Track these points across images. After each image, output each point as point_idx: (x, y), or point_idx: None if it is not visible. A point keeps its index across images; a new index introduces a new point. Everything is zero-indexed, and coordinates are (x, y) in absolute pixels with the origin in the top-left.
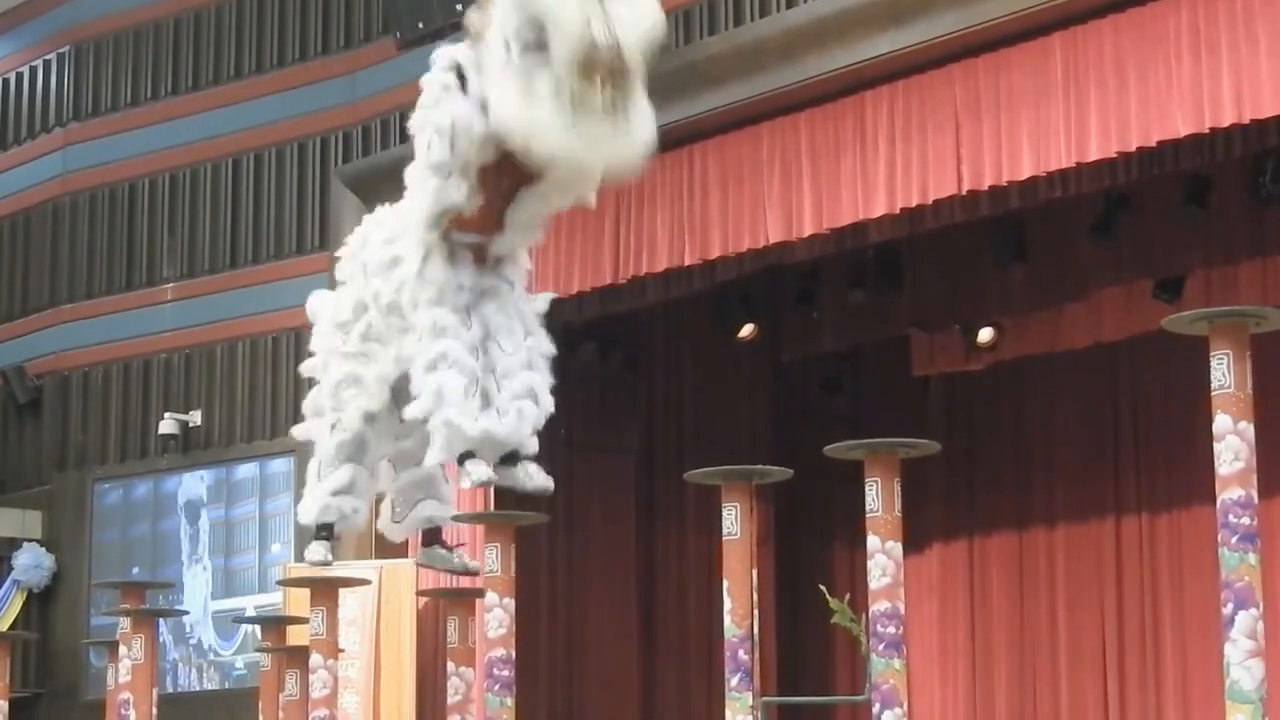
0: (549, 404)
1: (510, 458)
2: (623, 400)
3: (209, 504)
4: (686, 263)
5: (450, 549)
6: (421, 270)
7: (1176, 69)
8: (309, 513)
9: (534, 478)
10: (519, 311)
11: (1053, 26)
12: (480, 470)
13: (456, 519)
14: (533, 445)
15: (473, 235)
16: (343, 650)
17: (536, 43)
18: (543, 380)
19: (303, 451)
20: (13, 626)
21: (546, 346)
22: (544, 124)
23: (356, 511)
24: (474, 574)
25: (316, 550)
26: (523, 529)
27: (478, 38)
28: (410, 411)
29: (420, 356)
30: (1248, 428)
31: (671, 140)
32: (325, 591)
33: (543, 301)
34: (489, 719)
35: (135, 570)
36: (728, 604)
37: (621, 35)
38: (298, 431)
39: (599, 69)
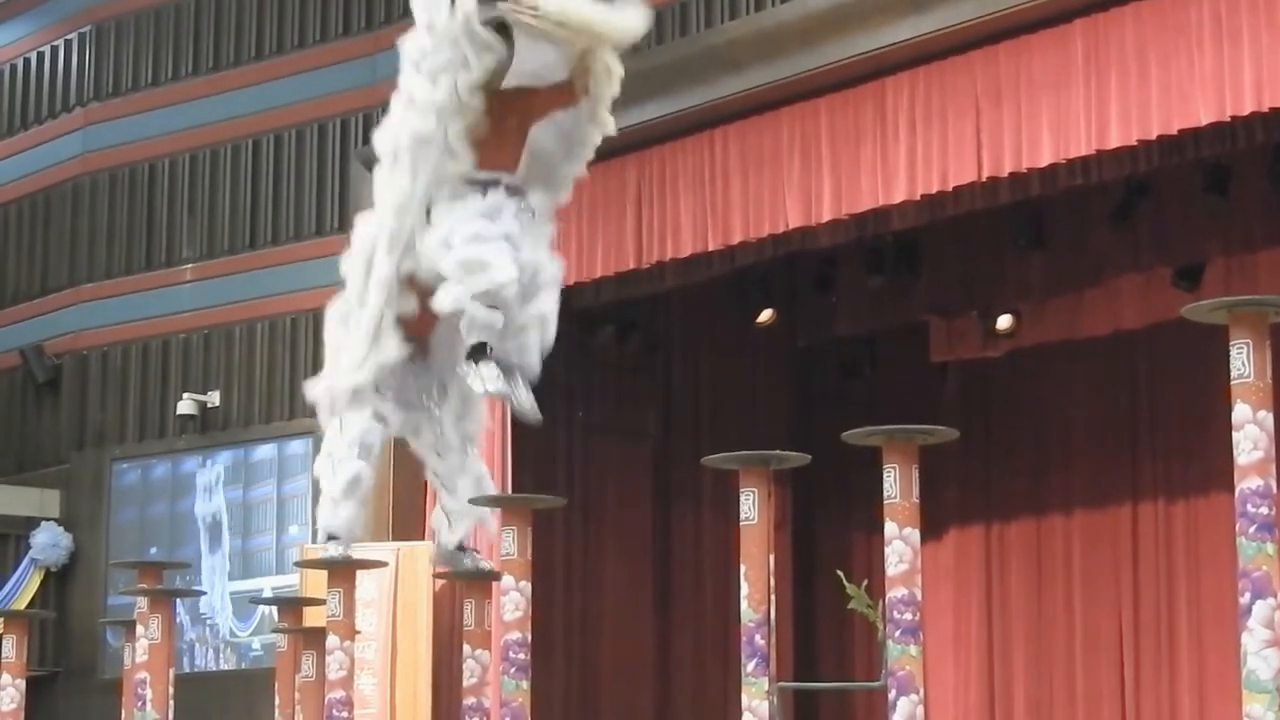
0: (552, 334)
1: (509, 370)
2: (640, 384)
3: (226, 484)
4: (709, 248)
5: (465, 550)
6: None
7: (1198, 57)
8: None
9: (524, 402)
10: (535, 233)
11: (1074, 13)
12: (493, 376)
13: (473, 501)
14: (536, 369)
15: (486, 173)
16: (359, 632)
17: None
18: (551, 305)
19: (321, 433)
20: (30, 605)
21: (556, 270)
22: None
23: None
24: (489, 577)
25: (335, 548)
26: (540, 512)
27: None
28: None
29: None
30: (1267, 417)
31: (692, 125)
32: (342, 573)
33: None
34: (505, 702)
35: (153, 550)
36: (744, 589)
37: None
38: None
39: None
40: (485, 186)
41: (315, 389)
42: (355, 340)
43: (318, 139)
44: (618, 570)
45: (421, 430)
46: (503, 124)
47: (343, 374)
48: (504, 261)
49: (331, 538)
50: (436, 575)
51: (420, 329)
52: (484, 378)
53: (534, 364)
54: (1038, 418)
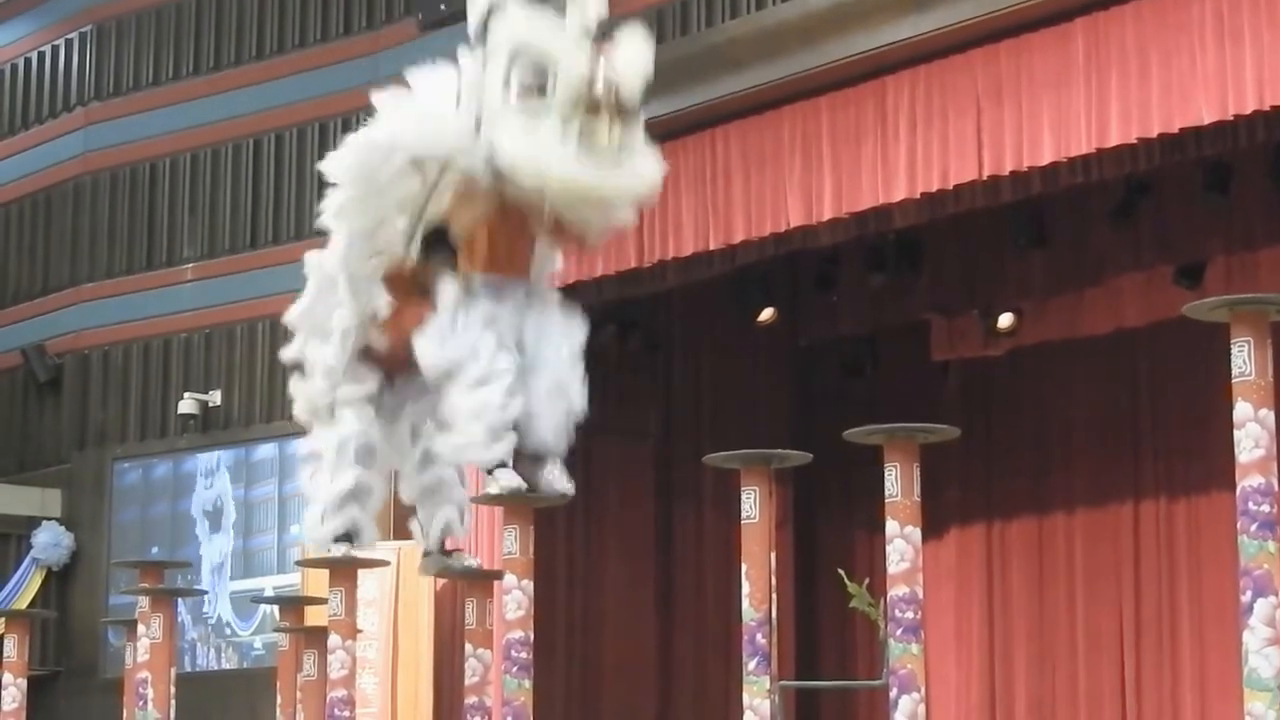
0: (579, 400)
1: (537, 458)
2: (642, 383)
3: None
4: (710, 247)
5: (448, 554)
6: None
7: (1200, 55)
8: (318, 529)
9: (556, 482)
10: (546, 314)
11: (1075, 12)
12: (509, 478)
13: (475, 500)
14: (561, 447)
15: (497, 277)
16: (361, 631)
17: (537, 87)
18: (567, 374)
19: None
20: (31, 605)
21: (577, 341)
22: (553, 159)
23: (365, 526)
24: (475, 573)
25: (339, 548)
26: (541, 511)
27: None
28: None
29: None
30: (1268, 415)
31: (693, 123)
32: (344, 572)
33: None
34: (507, 701)
35: (154, 549)
36: (746, 587)
37: (621, 78)
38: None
39: (603, 109)
40: (483, 297)
41: (298, 394)
42: (328, 355)
43: (319, 138)
44: (619, 569)
45: (390, 433)
46: (521, 231)
47: (322, 385)
48: (492, 407)
49: (341, 539)
50: (422, 574)
51: (391, 366)
52: (500, 483)
53: (558, 444)
54: (1039, 416)
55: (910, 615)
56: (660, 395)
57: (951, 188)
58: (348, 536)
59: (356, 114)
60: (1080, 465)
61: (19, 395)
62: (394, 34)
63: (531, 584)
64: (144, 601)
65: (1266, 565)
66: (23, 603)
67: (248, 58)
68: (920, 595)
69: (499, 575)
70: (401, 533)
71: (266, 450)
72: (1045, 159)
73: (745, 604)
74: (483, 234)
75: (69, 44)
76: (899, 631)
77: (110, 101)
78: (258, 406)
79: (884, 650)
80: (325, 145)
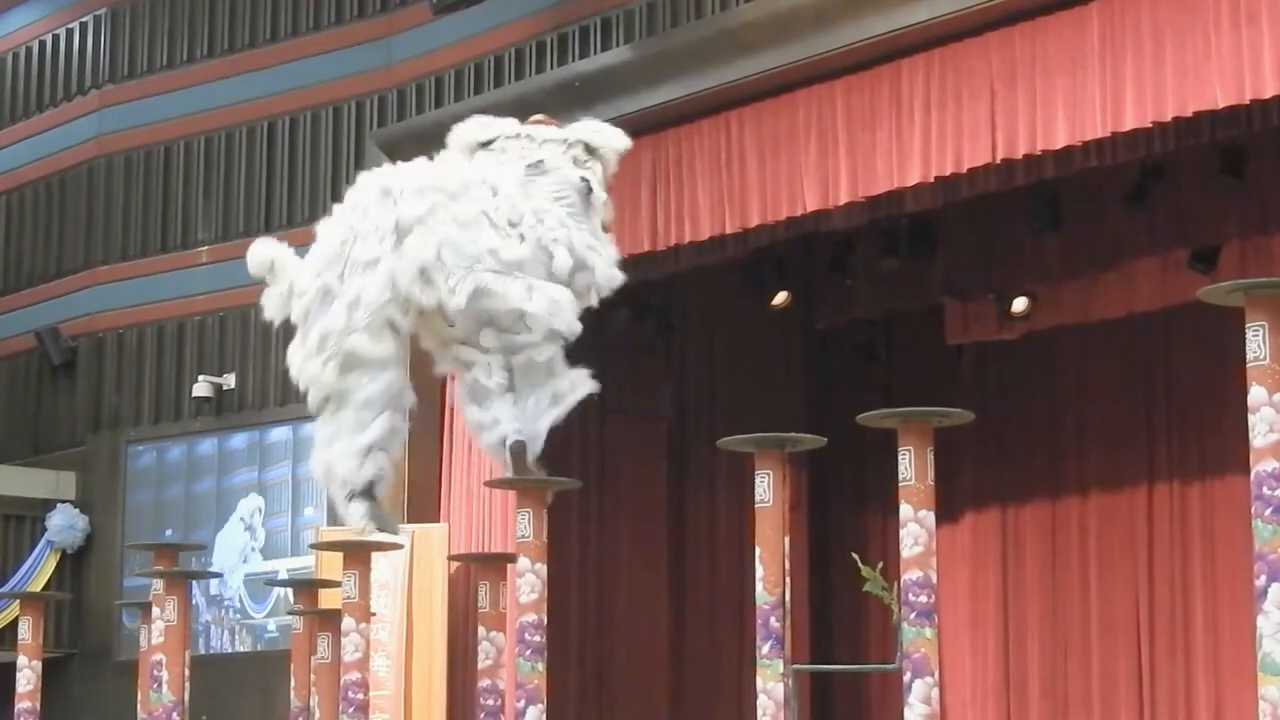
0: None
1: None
2: (656, 366)
3: (243, 466)
4: (725, 231)
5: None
6: None
7: (1215, 39)
8: (343, 473)
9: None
10: None
11: None
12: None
13: (489, 484)
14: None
15: None
16: (374, 614)
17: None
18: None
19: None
20: (46, 587)
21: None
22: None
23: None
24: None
25: (357, 511)
26: (555, 494)
27: None
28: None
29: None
30: None
31: (708, 107)
32: (358, 555)
33: None
34: (520, 683)
35: (168, 532)
36: (759, 571)
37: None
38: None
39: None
40: None
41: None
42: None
43: (332, 121)
44: (632, 552)
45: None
46: None
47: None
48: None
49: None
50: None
51: None
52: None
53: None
54: (1053, 400)
55: (924, 599)
56: (674, 379)
57: (966, 171)
58: (372, 485)
59: (370, 97)
60: (1094, 449)
61: (34, 378)
62: (407, 17)
63: (545, 567)
64: (158, 584)
65: None
66: (37, 585)
67: (261, 41)
68: (934, 579)
69: (513, 559)
70: (415, 516)
71: (280, 433)
72: (1059, 142)
73: (759, 588)
74: None
75: (83, 27)
76: (913, 615)
77: (124, 85)
78: (272, 389)
79: (897, 634)
80: (339, 128)
